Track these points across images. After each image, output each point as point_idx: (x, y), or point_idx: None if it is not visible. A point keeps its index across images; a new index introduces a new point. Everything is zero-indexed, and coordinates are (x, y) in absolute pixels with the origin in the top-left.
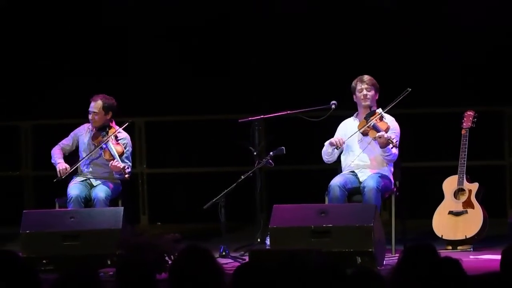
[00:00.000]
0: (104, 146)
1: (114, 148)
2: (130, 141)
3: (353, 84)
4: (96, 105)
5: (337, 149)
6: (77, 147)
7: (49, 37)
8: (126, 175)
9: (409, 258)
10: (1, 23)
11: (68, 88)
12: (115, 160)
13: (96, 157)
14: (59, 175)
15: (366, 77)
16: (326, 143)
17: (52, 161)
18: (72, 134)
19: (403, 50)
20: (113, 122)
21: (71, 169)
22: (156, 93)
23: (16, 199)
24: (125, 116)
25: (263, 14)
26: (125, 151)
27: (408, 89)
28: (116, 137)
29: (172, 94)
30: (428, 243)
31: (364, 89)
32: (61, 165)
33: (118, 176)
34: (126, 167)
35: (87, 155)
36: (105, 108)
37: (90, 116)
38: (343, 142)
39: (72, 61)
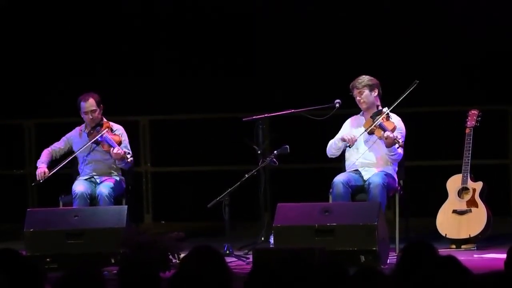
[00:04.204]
0: (99, 138)
1: (112, 138)
2: (124, 131)
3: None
4: (89, 103)
5: (349, 147)
6: (70, 151)
7: (52, 36)
8: (129, 159)
9: (408, 257)
10: (3, 22)
11: (71, 87)
12: (115, 148)
13: (88, 152)
14: (37, 178)
15: (357, 81)
16: (337, 137)
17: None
18: (64, 138)
19: (407, 48)
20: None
21: (49, 174)
22: (160, 91)
23: (20, 197)
24: (130, 115)
25: (266, 14)
26: (122, 140)
27: (416, 81)
28: (111, 129)
29: (176, 93)
30: (426, 241)
31: (356, 95)
32: (41, 169)
33: (122, 165)
34: (127, 152)
35: (78, 150)
36: (98, 103)
37: (89, 116)
38: (355, 141)
39: (75, 60)
